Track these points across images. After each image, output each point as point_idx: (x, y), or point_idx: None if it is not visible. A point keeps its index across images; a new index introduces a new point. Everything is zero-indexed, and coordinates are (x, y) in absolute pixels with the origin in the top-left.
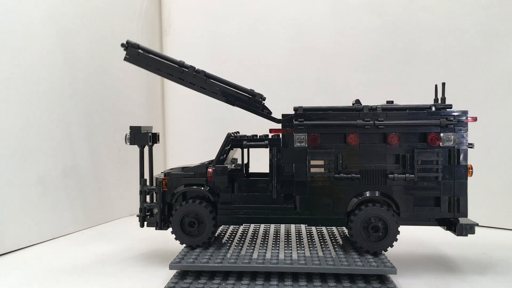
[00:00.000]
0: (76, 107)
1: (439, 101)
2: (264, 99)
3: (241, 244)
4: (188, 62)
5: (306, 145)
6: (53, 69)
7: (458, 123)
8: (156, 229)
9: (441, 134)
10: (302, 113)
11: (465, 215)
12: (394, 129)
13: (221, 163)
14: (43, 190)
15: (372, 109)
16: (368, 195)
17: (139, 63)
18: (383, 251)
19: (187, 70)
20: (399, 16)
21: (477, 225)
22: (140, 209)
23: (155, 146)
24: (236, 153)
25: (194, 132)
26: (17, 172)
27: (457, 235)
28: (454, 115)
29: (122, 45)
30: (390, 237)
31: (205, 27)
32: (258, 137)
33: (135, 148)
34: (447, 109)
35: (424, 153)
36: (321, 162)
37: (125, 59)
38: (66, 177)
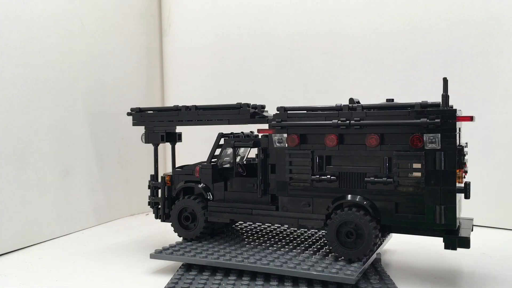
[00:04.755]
0: (76, 107)
1: (442, 98)
2: (252, 106)
3: (223, 241)
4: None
5: (285, 146)
6: (53, 69)
7: (446, 123)
8: (161, 221)
9: (424, 136)
10: (283, 113)
11: (453, 226)
12: (373, 129)
13: (218, 162)
14: (43, 190)
15: (352, 108)
16: (346, 199)
17: (144, 123)
18: (360, 258)
19: (180, 110)
20: (399, 16)
21: (467, 239)
22: (149, 203)
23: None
24: (247, 151)
25: (194, 131)
26: (17, 172)
27: (445, 248)
28: (440, 115)
29: (128, 113)
30: (365, 244)
31: (205, 27)
32: (245, 137)
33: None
34: (434, 108)
35: (405, 156)
36: (299, 163)
37: (134, 124)
38: (66, 177)
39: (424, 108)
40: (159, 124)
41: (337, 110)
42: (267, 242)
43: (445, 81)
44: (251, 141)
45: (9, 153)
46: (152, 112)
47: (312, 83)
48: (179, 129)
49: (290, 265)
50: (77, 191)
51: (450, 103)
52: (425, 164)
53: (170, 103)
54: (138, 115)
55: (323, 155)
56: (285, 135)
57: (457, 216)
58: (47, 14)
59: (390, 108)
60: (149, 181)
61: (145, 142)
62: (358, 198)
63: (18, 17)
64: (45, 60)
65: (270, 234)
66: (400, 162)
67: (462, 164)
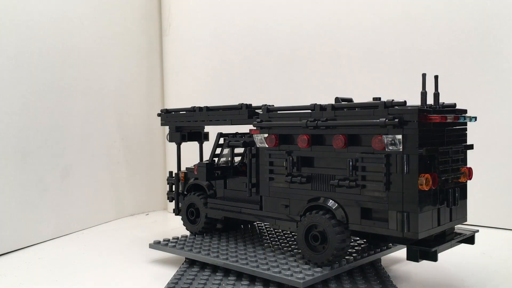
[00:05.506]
0: (76, 107)
1: (422, 96)
2: (250, 107)
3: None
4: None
5: (265, 146)
6: (53, 69)
7: (409, 123)
8: (175, 214)
9: (384, 137)
10: (265, 113)
11: (415, 236)
12: (339, 130)
13: (221, 160)
14: (43, 190)
15: (322, 108)
16: (317, 202)
17: (169, 123)
18: (325, 263)
19: (195, 111)
20: (399, 16)
21: (432, 252)
22: (167, 197)
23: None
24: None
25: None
26: (17, 172)
27: (407, 259)
28: (401, 114)
29: (158, 114)
30: (328, 249)
31: (205, 27)
32: (240, 137)
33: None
34: (397, 107)
35: (367, 158)
36: (277, 164)
37: (162, 124)
38: (66, 177)
39: (387, 107)
40: (180, 124)
41: (311, 110)
42: (263, 241)
43: (423, 77)
44: (242, 141)
45: (9, 153)
46: (174, 112)
47: (312, 83)
48: (207, 128)
49: (253, 265)
50: (77, 191)
51: (404, 100)
52: (387, 167)
53: (170, 103)
54: (165, 116)
55: (299, 156)
56: (266, 135)
57: (433, 225)
58: (47, 14)
59: (357, 108)
60: (167, 178)
61: (169, 141)
62: (322, 201)
63: (18, 17)
64: (45, 60)
65: (275, 233)
66: (362, 164)
67: (433, 168)
